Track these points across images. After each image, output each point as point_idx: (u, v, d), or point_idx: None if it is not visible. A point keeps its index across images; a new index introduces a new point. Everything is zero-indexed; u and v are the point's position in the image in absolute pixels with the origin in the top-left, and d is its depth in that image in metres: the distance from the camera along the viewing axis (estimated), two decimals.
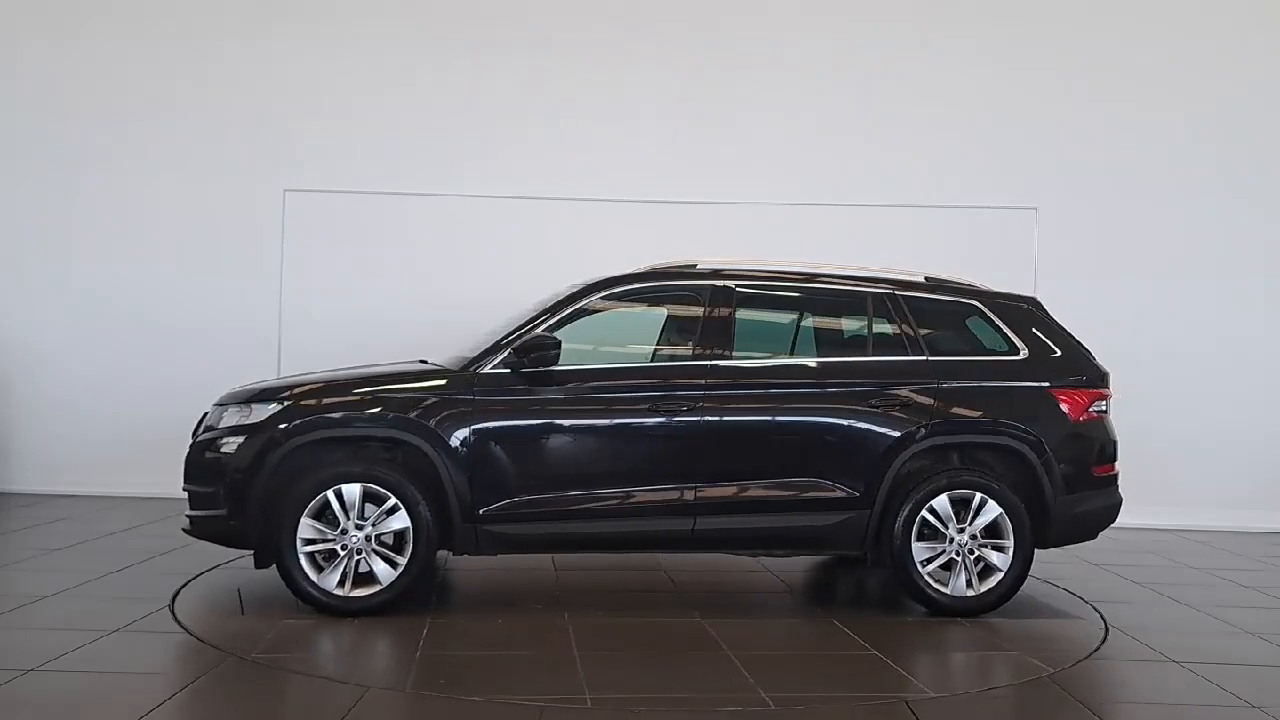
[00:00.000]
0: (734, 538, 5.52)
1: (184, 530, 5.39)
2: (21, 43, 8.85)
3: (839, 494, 5.41)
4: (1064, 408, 5.64)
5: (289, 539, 5.03)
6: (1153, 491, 8.59)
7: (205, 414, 5.54)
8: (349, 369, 5.81)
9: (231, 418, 5.28)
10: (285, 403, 5.20)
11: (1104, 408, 5.82)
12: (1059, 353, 5.78)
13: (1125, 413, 8.57)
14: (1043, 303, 6.10)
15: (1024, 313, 5.89)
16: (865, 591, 6.32)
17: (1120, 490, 5.81)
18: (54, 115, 8.80)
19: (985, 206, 8.82)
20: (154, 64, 8.85)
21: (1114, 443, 5.81)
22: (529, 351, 5.26)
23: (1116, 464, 5.80)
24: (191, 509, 5.36)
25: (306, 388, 5.36)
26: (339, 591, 5.06)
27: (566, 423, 5.39)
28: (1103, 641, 5.09)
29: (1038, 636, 5.16)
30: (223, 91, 8.84)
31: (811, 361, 5.71)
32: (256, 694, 4.08)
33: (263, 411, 5.19)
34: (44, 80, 8.83)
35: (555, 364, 5.29)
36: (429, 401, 5.21)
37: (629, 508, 5.31)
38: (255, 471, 5.08)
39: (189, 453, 5.37)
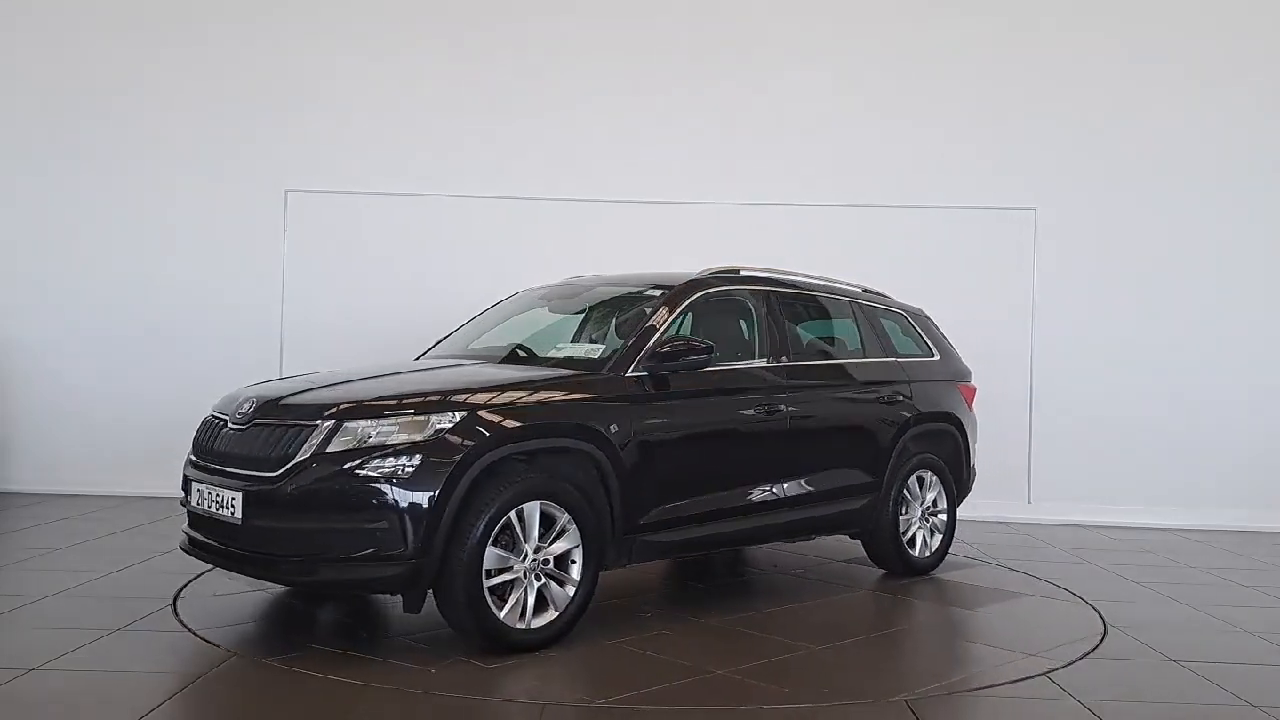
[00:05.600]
0: (807, 526, 5.90)
1: (311, 584, 4.63)
2: (21, 42, 8.86)
3: (865, 480, 6.07)
4: (965, 399, 6.85)
5: (473, 572, 4.35)
6: (1154, 491, 8.65)
7: (219, 428, 4.76)
8: (390, 371, 5.25)
9: (365, 432, 4.37)
10: (461, 414, 4.47)
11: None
12: (949, 354, 6.94)
13: (1125, 412, 8.70)
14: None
15: (926, 320, 6.98)
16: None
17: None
18: (53, 114, 8.81)
19: (985, 206, 8.84)
20: (153, 64, 8.86)
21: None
22: (678, 355, 5.09)
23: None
24: (314, 552, 4.33)
25: (469, 396, 4.61)
26: (520, 625, 4.50)
27: (712, 424, 5.33)
28: (1102, 641, 5.09)
29: (1037, 636, 5.17)
30: (223, 91, 8.84)
31: (846, 362, 6.28)
32: (258, 694, 4.07)
33: (433, 424, 4.41)
34: (42, 79, 8.83)
35: (708, 367, 5.24)
36: (597, 409, 4.85)
37: (753, 504, 5.48)
38: (445, 496, 4.30)
39: (308, 478, 4.32)
